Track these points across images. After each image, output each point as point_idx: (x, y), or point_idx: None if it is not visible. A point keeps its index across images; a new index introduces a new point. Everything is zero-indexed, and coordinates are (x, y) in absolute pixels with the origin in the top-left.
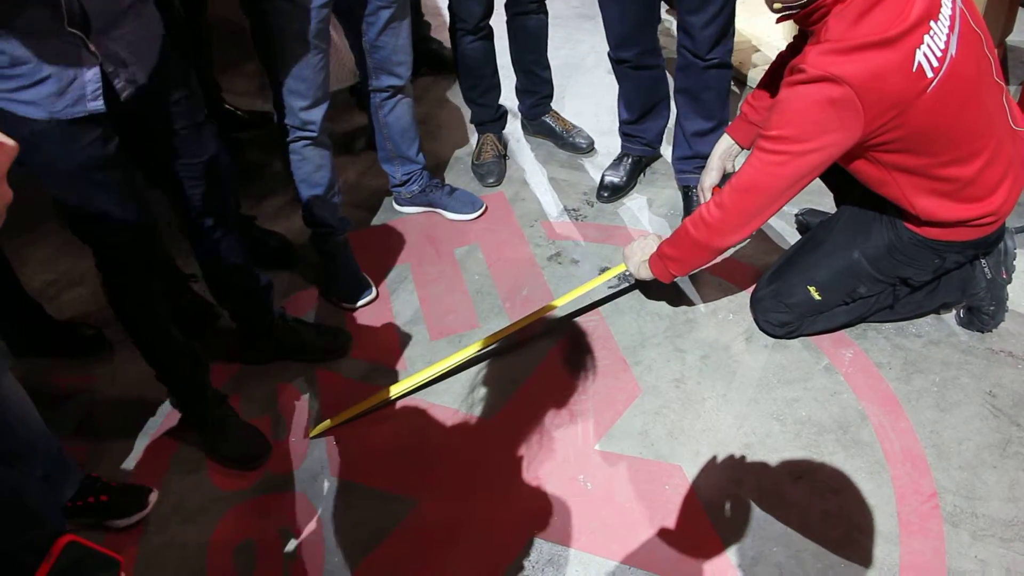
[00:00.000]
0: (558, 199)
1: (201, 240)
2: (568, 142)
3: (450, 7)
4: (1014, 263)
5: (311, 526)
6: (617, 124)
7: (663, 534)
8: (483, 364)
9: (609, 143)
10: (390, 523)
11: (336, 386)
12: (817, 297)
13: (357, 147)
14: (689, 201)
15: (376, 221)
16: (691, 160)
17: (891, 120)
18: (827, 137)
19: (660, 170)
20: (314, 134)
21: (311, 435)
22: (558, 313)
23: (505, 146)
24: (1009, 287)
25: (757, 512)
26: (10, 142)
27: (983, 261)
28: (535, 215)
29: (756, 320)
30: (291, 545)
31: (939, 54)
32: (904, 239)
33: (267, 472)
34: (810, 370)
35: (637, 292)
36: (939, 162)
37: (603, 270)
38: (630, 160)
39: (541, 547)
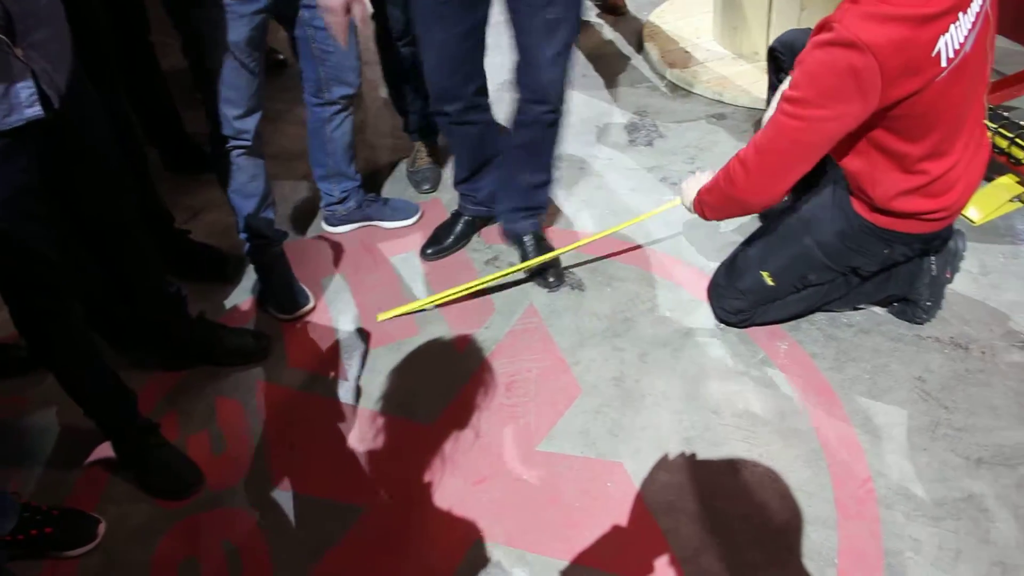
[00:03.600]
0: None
1: (103, 246)
2: None
3: (374, 15)
4: (960, 264)
5: (256, 539)
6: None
7: (607, 530)
8: (423, 368)
9: None
10: (336, 533)
11: (276, 397)
12: (770, 283)
13: (287, 159)
14: (523, 248)
15: (312, 232)
16: (525, 211)
17: (901, 101)
18: (842, 106)
19: (593, 169)
20: (248, 143)
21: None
22: (497, 314)
23: (439, 154)
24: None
25: (698, 504)
26: None
27: (932, 258)
28: None
29: (712, 307)
30: (236, 560)
31: (956, 47)
32: (855, 226)
33: (208, 488)
34: (747, 364)
35: (575, 292)
36: (922, 154)
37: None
38: (463, 220)
39: (487, 550)
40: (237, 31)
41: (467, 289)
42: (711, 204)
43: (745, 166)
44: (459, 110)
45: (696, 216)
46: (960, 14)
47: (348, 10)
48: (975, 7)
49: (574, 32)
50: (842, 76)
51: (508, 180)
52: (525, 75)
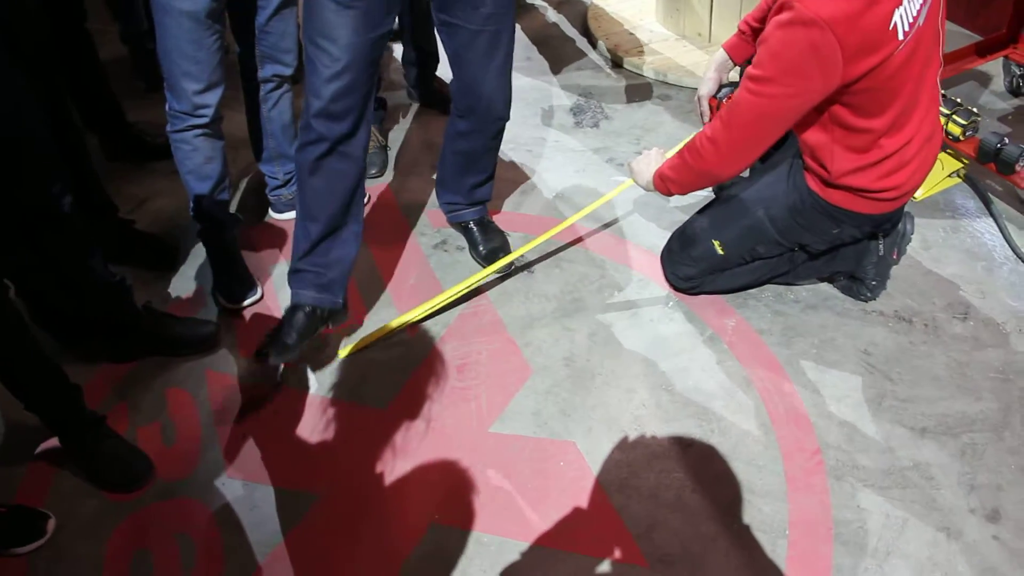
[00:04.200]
0: None
1: (35, 235)
2: None
3: None
4: (907, 247)
5: (209, 530)
6: None
7: (560, 509)
8: (373, 355)
9: None
10: (290, 520)
11: (227, 386)
12: (720, 252)
13: (234, 145)
14: (470, 234)
15: (256, 219)
16: (468, 205)
17: (863, 76)
18: (805, 82)
19: (539, 152)
20: (206, 119)
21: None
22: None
23: (386, 136)
24: None
25: (650, 481)
26: None
27: (880, 239)
28: (419, 204)
29: (664, 273)
30: (189, 551)
31: (911, 19)
32: (807, 203)
33: (160, 479)
34: (695, 341)
35: (524, 274)
36: (881, 129)
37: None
38: (302, 314)
39: (441, 532)
40: (197, 0)
41: (435, 306)
42: (677, 180)
43: (714, 142)
44: (344, 134)
45: (648, 194)
46: None
47: None
48: None
49: (513, 39)
50: (803, 54)
51: (448, 180)
52: (468, 91)
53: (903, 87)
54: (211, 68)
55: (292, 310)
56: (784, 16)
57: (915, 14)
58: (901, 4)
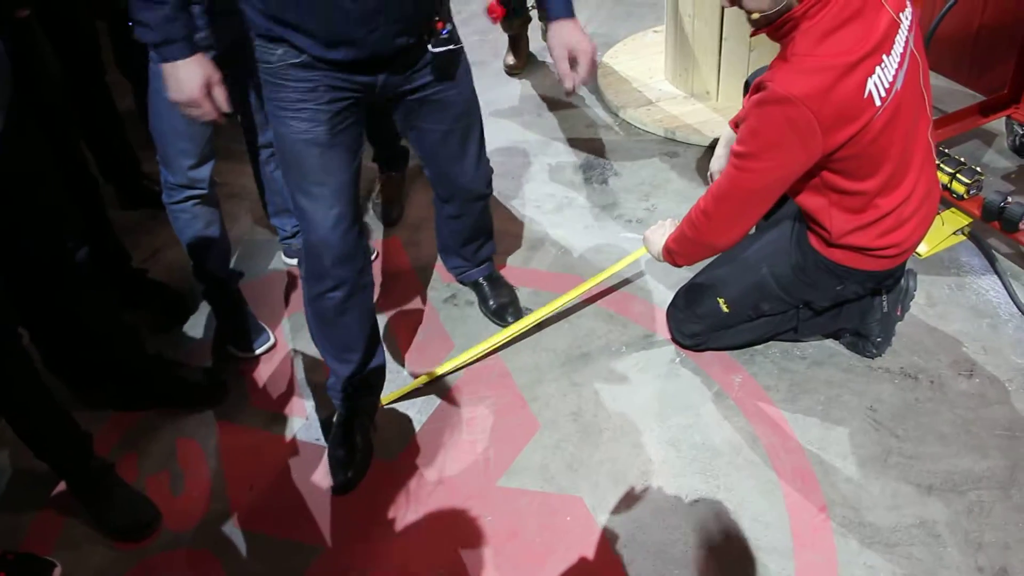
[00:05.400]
0: None
1: (50, 290)
2: None
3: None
4: (911, 303)
5: None
6: None
7: (567, 564)
8: (382, 407)
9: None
10: (296, 572)
11: (236, 436)
12: (725, 309)
13: (248, 196)
14: (480, 290)
15: (271, 267)
16: (474, 265)
17: (845, 143)
18: (786, 155)
19: (548, 207)
20: (204, 191)
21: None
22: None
23: (404, 184)
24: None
25: (657, 536)
26: None
27: (883, 296)
28: (428, 259)
29: (669, 329)
30: None
31: (887, 86)
32: (810, 261)
33: (167, 529)
34: (702, 397)
35: (533, 329)
36: (873, 190)
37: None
38: (343, 419)
39: None
40: None
41: (466, 361)
42: (680, 252)
43: (707, 214)
44: (360, 268)
45: (663, 263)
46: (884, 56)
47: (208, 94)
48: (898, 48)
49: (482, 125)
50: (781, 129)
51: (449, 248)
52: (446, 182)
53: (889, 149)
54: (203, 143)
55: (345, 425)
56: (759, 95)
57: (891, 79)
58: (874, 73)
